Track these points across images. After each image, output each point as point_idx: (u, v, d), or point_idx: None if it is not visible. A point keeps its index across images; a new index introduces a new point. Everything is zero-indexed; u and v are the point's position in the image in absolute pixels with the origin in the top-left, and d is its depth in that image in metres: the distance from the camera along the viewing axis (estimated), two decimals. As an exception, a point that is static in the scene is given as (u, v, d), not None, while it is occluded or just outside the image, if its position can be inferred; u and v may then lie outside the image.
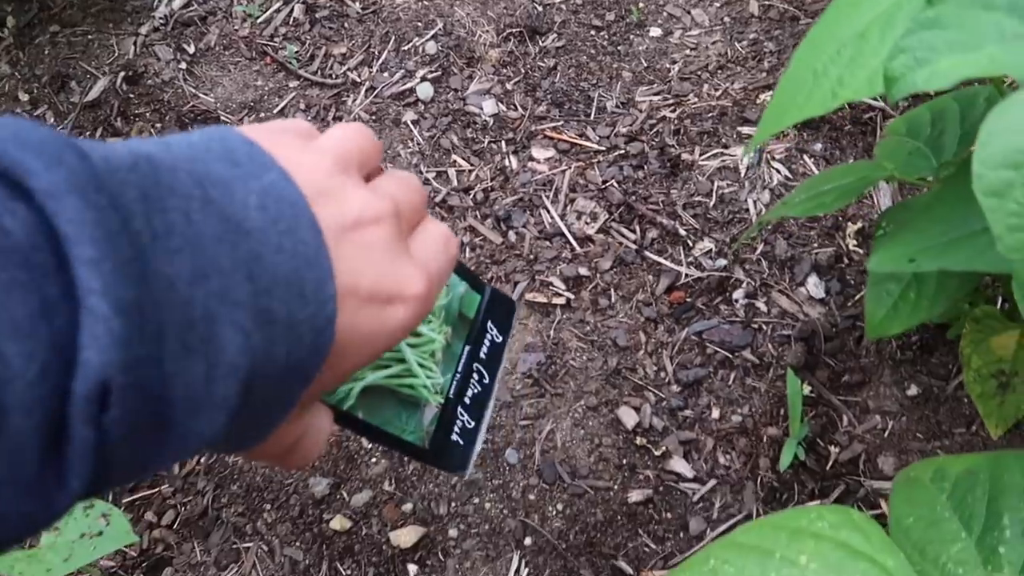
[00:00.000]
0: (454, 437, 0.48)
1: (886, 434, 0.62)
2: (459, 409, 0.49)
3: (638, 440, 0.64)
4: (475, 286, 0.45)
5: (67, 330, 0.19)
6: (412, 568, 0.60)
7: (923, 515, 0.43)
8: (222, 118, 0.87)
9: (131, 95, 0.91)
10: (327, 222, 0.27)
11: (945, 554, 0.40)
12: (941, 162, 0.53)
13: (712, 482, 0.62)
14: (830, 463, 0.62)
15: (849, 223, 0.69)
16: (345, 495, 0.64)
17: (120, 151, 0.21)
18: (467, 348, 0.50)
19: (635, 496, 0.62)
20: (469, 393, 0.49)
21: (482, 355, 0.52)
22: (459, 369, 0.48)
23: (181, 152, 0.24)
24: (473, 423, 0.49)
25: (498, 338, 0.55)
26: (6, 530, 0.20)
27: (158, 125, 0.88)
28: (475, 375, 0.50)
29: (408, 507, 0.62)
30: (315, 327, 0.26)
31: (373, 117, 0.84)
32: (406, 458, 0.54)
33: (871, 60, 0.41)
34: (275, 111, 0.87)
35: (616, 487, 0.62)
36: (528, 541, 0.61)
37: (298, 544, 0.63)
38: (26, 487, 0.20)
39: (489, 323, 0.52)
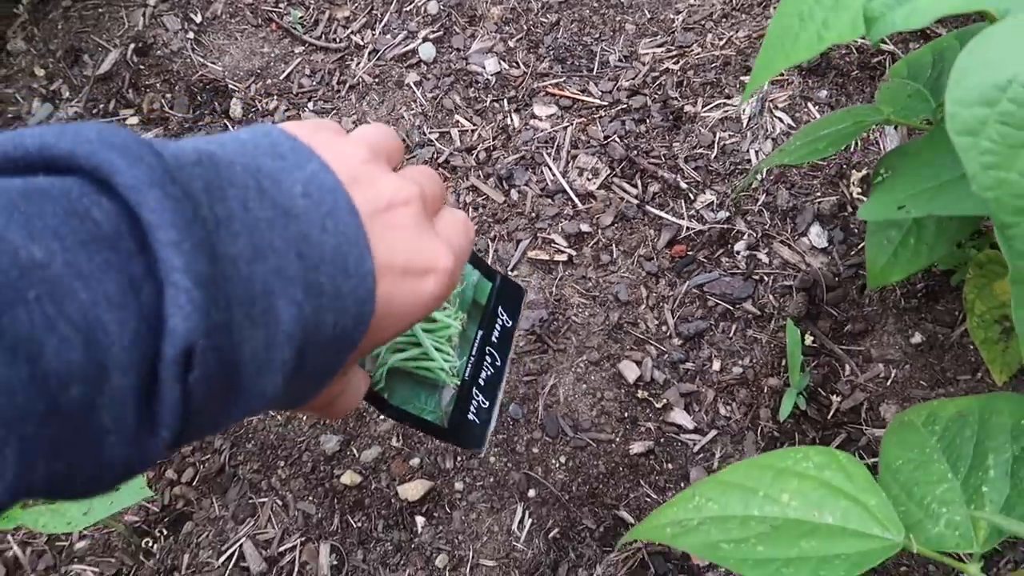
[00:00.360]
0: (471, 416, 0.51)
1: (889, 382, 0.62)
2: (474, 390, 0.51)
3: (639, 393, 0.64)
4: (487, 274, 0.47)
5: (153, 302, 0.23)
6: (420, 520, 0.62)
7: (912, 457, 0.43)
8: (230, 86, 0.88)
9: (141, 66, 0.92)
10: (363, 206, 0.31)
11: (931, 495, 0.41)
12: (939, 103, 0.51)
13: (713, 433, 0.62)
14: (831, 412, 0.62)
15: (853, 171, 0.68)
16: (355, 451, 0.66)
17: (185, 148, 0.25)
18: (480, 333, 0.53)
19: (636, 448, 0.62)
20: (483, 375, 0.52)
21: (494, 339, 0.54)
22: (473, 353, 0.50)
23: (234, 149, 0.27)
24: (487, 403, 0.51)
25: (508, 323, 0.56)
26: (111, 473, 0.23)
27: (168, 95, 0.89)
28: (488, 358, 0.52)
29: (415, 462, 0.64)
30: (358, 299, 0.30)
31: (376, 80, 0.84)
32: (425, 435, 0.55)
33: (854, 2, 0.40)
34: (281, 77, 0.88)
35: (618, 439, 0.63)
36: (532, 493, 0.62)
37: (311, 498, 0.64)
38: (126, 436, 0.23)
39: (500, 308, 0.54)
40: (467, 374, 0.54)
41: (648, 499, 0.61)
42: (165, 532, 0.64)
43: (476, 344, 0.53)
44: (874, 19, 0.35)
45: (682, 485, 0.61)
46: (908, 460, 0.43)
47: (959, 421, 0.43)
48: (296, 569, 0.61)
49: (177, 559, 0.63)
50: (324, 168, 0.30)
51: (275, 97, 0.86)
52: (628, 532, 0.42)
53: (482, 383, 0.55)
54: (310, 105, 0.84)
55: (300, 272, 0.28)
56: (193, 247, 0.23)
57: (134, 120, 0.87)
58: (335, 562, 0.61)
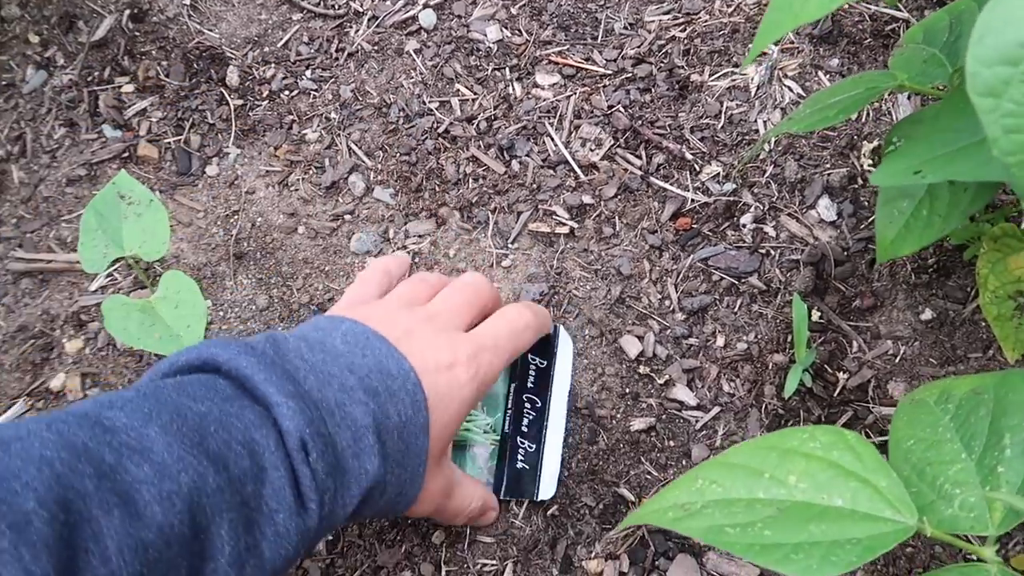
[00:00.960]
0: (519, 465, 0.55)
1: (897, 359, 0.60)
2: (517, 439, 0.56)
3: (641, 369, 0.63)
4: None
5: (273, 424, 0.37)
6: (416, 496, 0.61)
7: (924, 437, 0.42)
8: (227, 53, 0.86)
9: (137, 33, 0.90)
10: (390, 334, 0.45)
11: (943, 475, 0.39)
12: (956, 68, 0.49)
13: (716, 410, 0.61)
14: (838, 390, 0.60)
15: (864, 142, 0.66)
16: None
17: (258, 337, 0.42)
18: (513, 386, 0.58)
19: (637, 424, 0.61)
20: (524, 422, 0.56)
21: (529, 385, 0.58)
22: (509, 406, 0.56)
23: (284, 334, 0.43)
24: (534, 447, 0.55)
25: (542, 364, 0.60)
26: (288, 542, 0.36)
27: (164, 63, 0.87)
28: (527, 404, 0.56)
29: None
30: (407, 390, 0.43)
31: (375, 47, 0.82)
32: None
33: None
34: (279, 45, 0.86)
35: (619, 416, 0.62)
36: (531, 469, 0.61)
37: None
38: (289, 511, 0.36)
39: (529, 356, 0.58)
40: (507, 427, 0.58)
41: (649, 476, 0.60)
42: None
43: (511, 397, 0.57)
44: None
45: (684, 463, 0.60)
46: (919, 439, 0.42)
47: (973, 399, 0.42)
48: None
49: None
50: (354, 323, 0.45)
51: (272, 65, 0.84)
52: (627, 516, 0.41)
53: (524, 430, 0.57)
54: (308, 73, 0.82)
55: (357, 383, 0.40)
56: (281, 381, 0.38)
57: (129, 88, 0.85)
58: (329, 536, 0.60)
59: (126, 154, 0.80)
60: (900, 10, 0.71)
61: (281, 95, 0.81)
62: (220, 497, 0.33)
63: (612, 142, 0.71)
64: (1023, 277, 0.55)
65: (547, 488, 0.58)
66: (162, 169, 0.80)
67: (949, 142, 0.43)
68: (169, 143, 0.81)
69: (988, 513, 0.37)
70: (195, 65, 0.85)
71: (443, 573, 0.59)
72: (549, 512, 0.59)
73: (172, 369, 0.40)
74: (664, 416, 0.61)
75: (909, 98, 0.67)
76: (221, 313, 0.72)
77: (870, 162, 0.65)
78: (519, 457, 0.57)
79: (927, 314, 0.61)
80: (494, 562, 0.59)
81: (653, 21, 0.77)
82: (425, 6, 0.82)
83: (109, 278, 0.74)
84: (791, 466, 0.37)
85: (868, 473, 0.37)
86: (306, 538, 0.37)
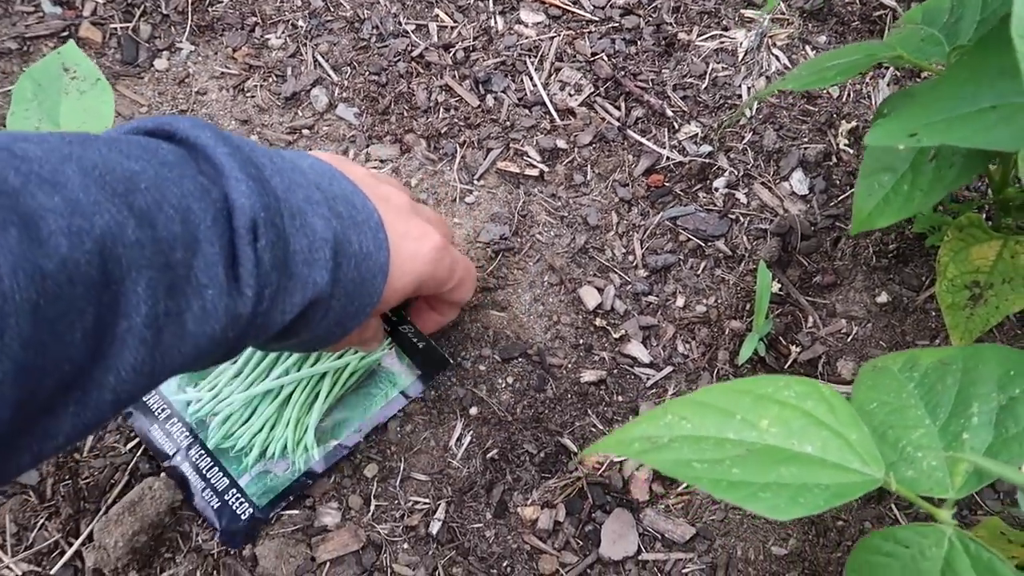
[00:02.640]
0: (420, 344, 0.53)
1: (849, 339, 0.61)
2: (400, 329, 0.60)
3: (597, 321, 0.61)
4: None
5: (222, 195, 0.34)
6: (351, 425, 0.58)
7: (887, 401, 0.41)
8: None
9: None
10: (363, 185, 0.44)
11: (906, 438, 0.39)
12: (954, 47, 0.49)
13: (668, 369, 0.60)
14: (789, 362, 0.60)
15: (843, 121, 0.66)
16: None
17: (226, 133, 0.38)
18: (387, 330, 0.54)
19: (588, 376, 0.60)
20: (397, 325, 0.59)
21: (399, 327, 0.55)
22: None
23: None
24: (414, 328, 0.54)
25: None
26: (215, 321, 0.33)
27: None
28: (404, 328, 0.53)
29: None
30: (371, 226, 0.42)
31: (353, -41, 0.77)
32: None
33: None
34: (246, -56, 0.80)
35: (570, 366, 0.60)
36: (474, 411, 0.59)
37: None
38: (221, 289, 0.33)
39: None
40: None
41: (594, 429, 0.59)
42: None
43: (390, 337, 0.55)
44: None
45: (630, 418, 0.59)
46: (883, 403, 0.41)
47: (940, 369, 0.42)
48: (211, 463, 0.57)
49: None
50: (319, 160, 0.43)
51: (238, -38, 0.78)
52: (592, 445, 0.39)
53: (403, 327, 0.56)
54: (276, -24, 0.77)
55: (322, 199, 0.39)
56: (244, 163, 0.35)
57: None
58: (255, 460, 0.57)
59: (65, 33, 0.73)
60: (889, -2, 0.72)
61: (246, -6, 0.76)
62: (139, 252, 0.30)
63: (592, 89, 0.69)
64: (982, 268, 0.56)
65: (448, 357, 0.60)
66: (105, 55, 0.73)
67: (947, 109, 0.42)
68: (116, 28, 0.74)
69: (949, 477, 0.36)
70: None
71: (371, 507, 0.56)
72: (489, 455, 0.58)
73: (119, 132, 0.36)
74: (616, 371, 0.60)
75: (889, 85, 0.67)
76: (157, 216, 0.67)
77: (846, 141, 0.65)
78: (413, 339, 0.58)
79: (883, 297, 0.61)
80: (426, 500, 0.56)
81: (645, -26, 0.75)
82: (411, -76, 0.78)
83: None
84: (764, 411, 0.36)
85: (840, 425, 0.36)
86: (236, 324, 0.35)
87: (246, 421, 0.57)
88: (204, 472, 0.56)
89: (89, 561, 0.54)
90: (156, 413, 0.57)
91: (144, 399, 0.57)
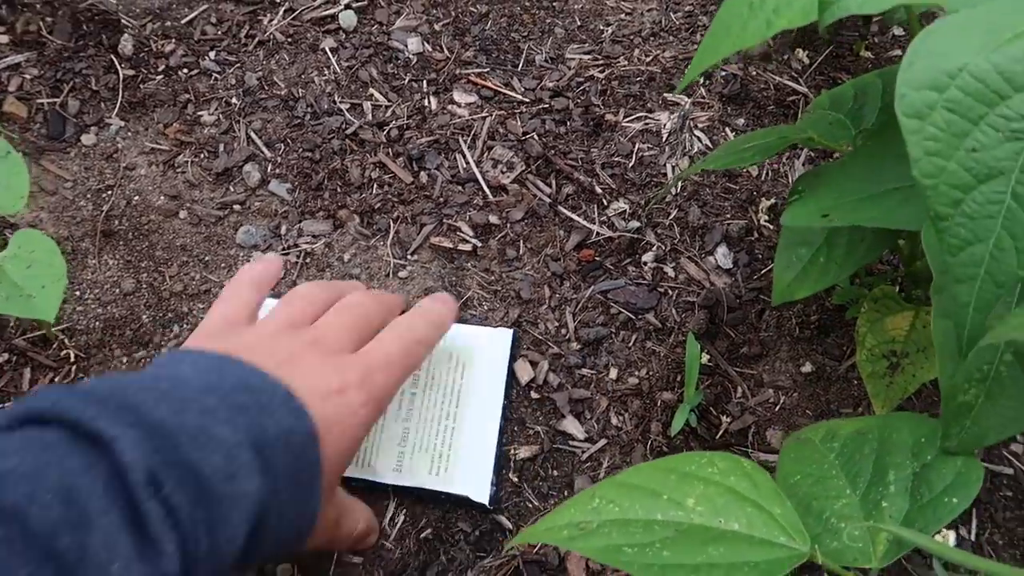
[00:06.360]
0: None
1: (777, 408, 0.62)
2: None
3: (532, 395, 0.61)
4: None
5: (109, 460, 0.31)
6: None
7: (810, 472, 0.42)
8: (123, 21, 0.80)
9: (20, -15, 0.82)
10: (265, 363, 0.40)
11: (829, 509, 0.39)
12: (859, 130, 0.52)
13: (602, 442, 0.60)
14: (720, 432, 0.61)
15: (763, 199, 0.69)
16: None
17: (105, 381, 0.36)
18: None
19: (523, 453, 0.59)
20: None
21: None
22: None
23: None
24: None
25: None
26: None
27: (49, 19, 0.79)
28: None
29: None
30: (280, 398, 0.38)
31: (289, 40, 0.79)
32: None
33: (807, -10, 0.40)
34: (183, 21, 0.81)
35: (504, 442, 0.60)
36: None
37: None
38: (128, 560, 0.30)
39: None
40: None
41: (529, 505, 0.58)
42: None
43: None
44: (829, 3, 0.35)
45: (566, 493, 0.58)
46: (806, 475, 0.42)
47: (858, 439, 0.43)
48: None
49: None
50: (201, 352, 0.40)
51: (173, 40, 0.78)
52: (519, 534, 0.39)
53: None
54: (211, 55, 0.77)
55: (218, 402, 0.36)
56: (118, 414, 0.32)
57: (3, 39, 0.77)
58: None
59: (-11, 107, 0.72)
60: (799, 84, 0.76)
61: (179, 72, 0.76)
62: (8, 550, 0.27)
63: (524, 167, 0.71)
64: (897, 337, 0.58)
65: (473, 487, 0.56)
66: (30, 130, 0.72)
67: (855, 191, 0.45)
68: (43, 104, 0.73)
69: (872, 546, 0.37)
70: (85, 27, 0.79)
71: (299, 595, 0.54)
72: (422, 535, 0.56)
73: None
74: (550, 446, 0.60)
75: (804, 164, 0.71)
76: (78, 293, 0.65)
77: (767, 217, 0.68)
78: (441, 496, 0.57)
79: (807, 367, 0.63)
80: (357, 586, 0.54)
81: (574, 59, 0.78)
82: (347, 7, 0.80)
83: (-52, 238, 0.65)
84: (689, 489, 0.37)
85: (763, 500, 0.36)
86: None
87: None
88: None
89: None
90: None
91: None
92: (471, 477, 0.56)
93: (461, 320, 0.60)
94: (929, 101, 0.30)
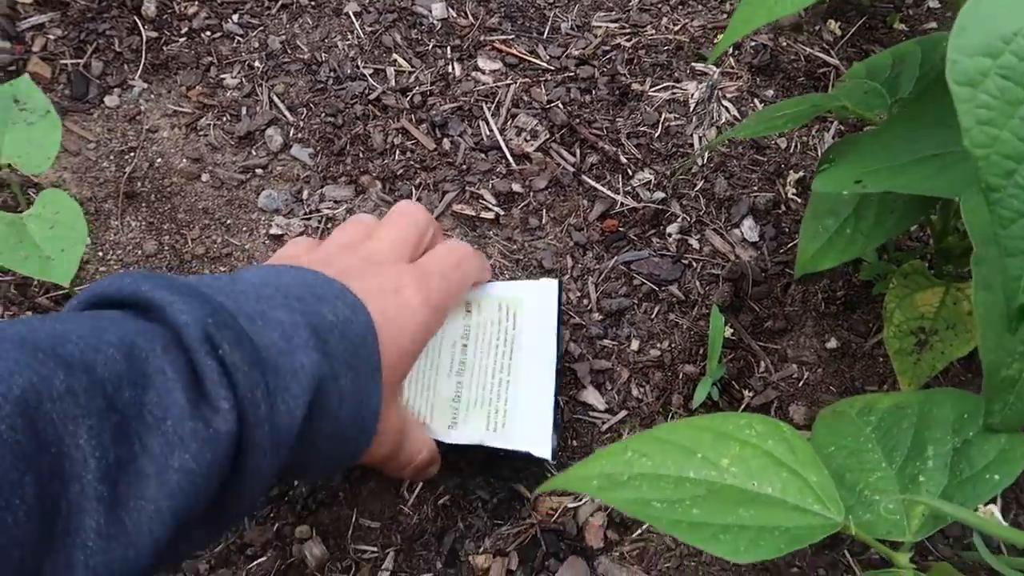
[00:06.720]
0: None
1: (800, 384, 0.61)
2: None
3: (553, 364, 0.61)
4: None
5: (167, 325, 0.32)
6: (298, 472, 0.56)
7: (845, 444, 0.42)
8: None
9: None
10: (314, 264, 0.43)
11: (863, 481, 0.39)
12: (895, 99, 0.51)
13: (623, 413, 0.60)
14: (742, 406, 0.60)
15: (791, 171, 0.68)
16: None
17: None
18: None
19: (543, 421, 0.59)
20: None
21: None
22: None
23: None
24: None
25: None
26: (185, 449, 0.30)
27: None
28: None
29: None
30: (335, 292, 0.39)
31: (312, 3, 0.78)
32: None
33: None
34: (204, -15, 0.80)
35: (558, 393, 0.59)
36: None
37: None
38: (181, 416, 0.30)
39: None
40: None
41: (548, 475, 0.57)
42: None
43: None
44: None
45: (586, 463, 0.58)
46: (840, 447, 0.42)
47: (896, 413, 0.42)
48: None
49: None
50: (256, 267, 0.41)
51: (196, 3, 0.78)
52: (549, 480, 0.38)
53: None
54: (235, 17, 0.77)
55: (275, 292, 0.36)
56: (182, 292, 0.33)
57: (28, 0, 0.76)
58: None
59: (12, 67, 0.72)
60: (831, 56, 0.75)
61: (202, 34, 0.76)
62: (72, 402, 0.27)
63: (548, 136, 0.70)
64: (926, 314, 0.57)
65: (534, 442, 0.53)
66: (54, 91, 0.72)
67: (890, 158, 0.44)
68: (66, 64, 0.73)
69: (906, 520, 0.36)
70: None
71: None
72: (440, 502, 0.56)
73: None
74: (570, 416, 0.59)
75: (833, 137, 0.70)
76: (100, 254, 0.65)
77: (794, 191, 0.67)
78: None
79: (832, 343, 0.62)
80: (374, 549, 0.54)
81: (600, 27, 0.77)
82: (371, -29, 0.79)
83: (-28, 196, 0.65)
84: (724, 449, 0.36)
85: (799, 466, 0.36)
86: (220, 446, 0.30)
87: None
88: None
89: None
90: None
91: None
92: (530, 432, 0.54)
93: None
94: (982, 68, 0.29)
